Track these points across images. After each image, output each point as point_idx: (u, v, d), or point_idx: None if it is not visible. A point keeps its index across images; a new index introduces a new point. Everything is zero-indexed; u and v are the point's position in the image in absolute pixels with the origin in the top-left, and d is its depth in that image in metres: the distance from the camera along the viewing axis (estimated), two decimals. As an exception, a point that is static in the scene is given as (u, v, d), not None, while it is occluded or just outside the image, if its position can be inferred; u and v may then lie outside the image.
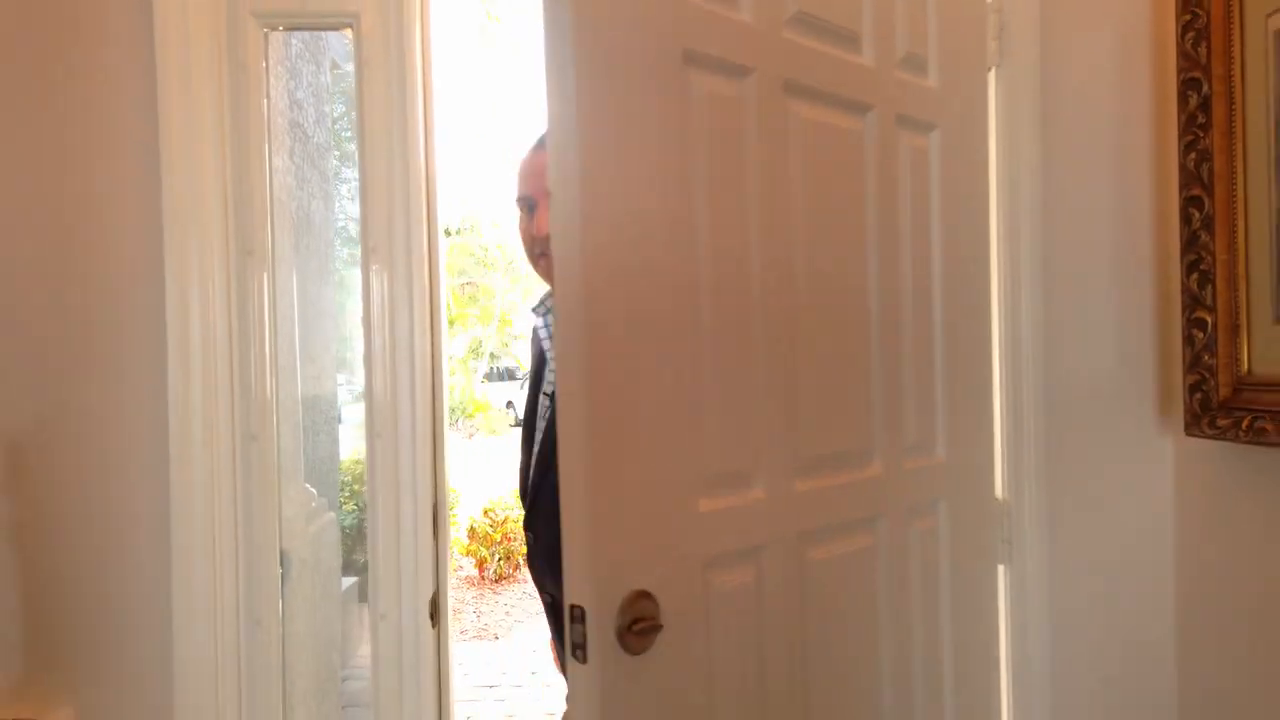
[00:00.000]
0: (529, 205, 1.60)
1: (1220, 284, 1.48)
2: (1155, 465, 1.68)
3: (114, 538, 1.68)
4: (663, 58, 1.20)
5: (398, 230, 1.71)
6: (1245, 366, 1.46)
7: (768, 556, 1.32)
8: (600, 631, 1.10)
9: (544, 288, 1.63)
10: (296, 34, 2.42)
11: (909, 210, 1.54)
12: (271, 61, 1.77)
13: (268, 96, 1.74)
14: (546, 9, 1.13)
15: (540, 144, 1.57)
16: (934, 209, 1.58)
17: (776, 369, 1.33)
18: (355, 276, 1.92)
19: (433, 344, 1.75)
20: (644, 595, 1.14)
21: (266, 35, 1.73)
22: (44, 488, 1.67)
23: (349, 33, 1.73)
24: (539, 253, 1.57)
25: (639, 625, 1.13)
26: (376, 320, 1.72)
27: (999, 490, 1.72)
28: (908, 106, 1.54)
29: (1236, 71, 1.46)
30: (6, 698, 1.65)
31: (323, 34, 2.81)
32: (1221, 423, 1.48)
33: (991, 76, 1.68)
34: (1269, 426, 1.38)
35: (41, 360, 1.69)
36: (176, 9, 1.64)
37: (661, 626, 1.15)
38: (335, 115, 3.19)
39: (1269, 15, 1.40)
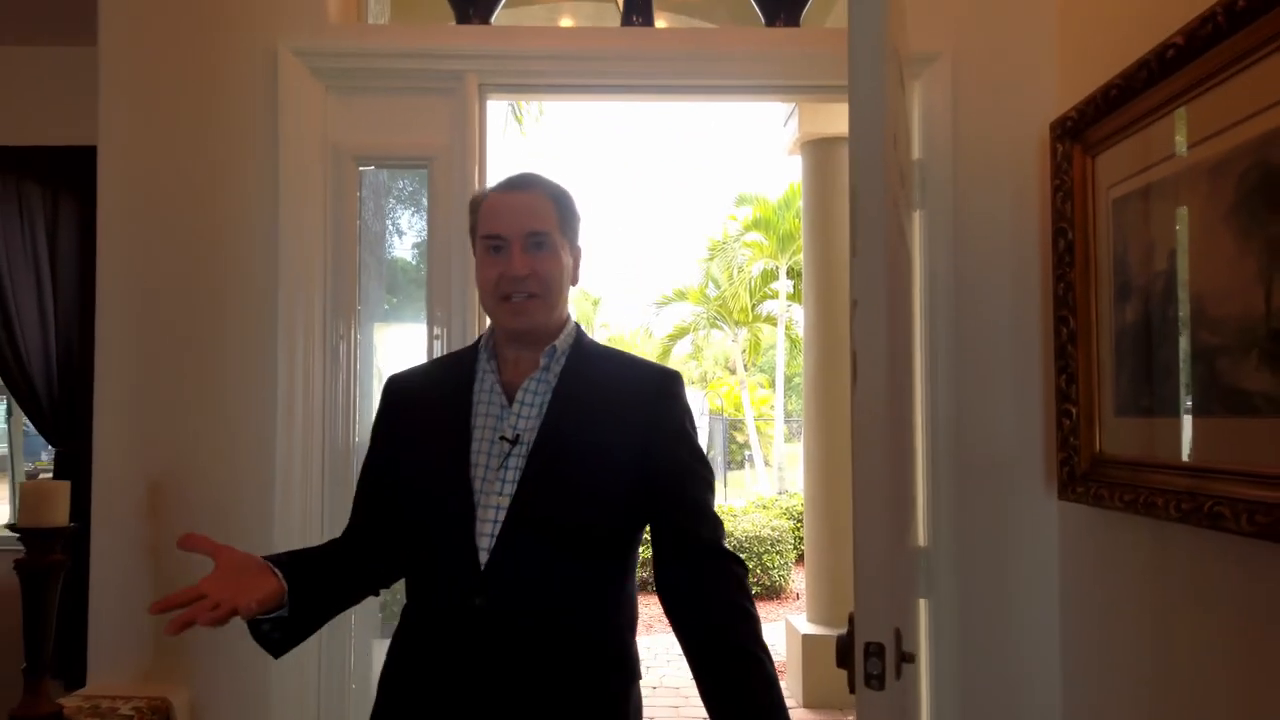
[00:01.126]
0: (498, 244, 1.48)
1: (1080, 384, 1.94)
2: (1043, 520, 2.12)
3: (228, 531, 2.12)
4: None
5: (455, 303, 2.18)
6: (1098, 447, 1.91)
7: None
8: (892, 663, 1.24)
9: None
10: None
11: None
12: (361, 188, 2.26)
13: (360, 215, 2.23)
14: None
15: (512, 186, 1.52)
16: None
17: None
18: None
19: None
20: (899, 631, 1.32)
21: (360, 171, 2.23)
22: (175, 515, 2.11)
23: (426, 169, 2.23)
24: (503, 293, 1.47)
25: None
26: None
27: (921, 539, 2.16)
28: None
29: (1090, 225, 1.93)
30: (141, 681, 2.08)
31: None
32: (1079, 490, 1.93)
33: (916, 216, 2.16)
34: (1105, 494, 1.82)
35: (176, 418, 2.15)
36: (296, 149, 2.13)
37: (913, 657, 1.52)
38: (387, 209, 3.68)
39: (1110, 187, 1.88)
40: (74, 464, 4.10)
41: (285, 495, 2.11)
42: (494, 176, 2.24)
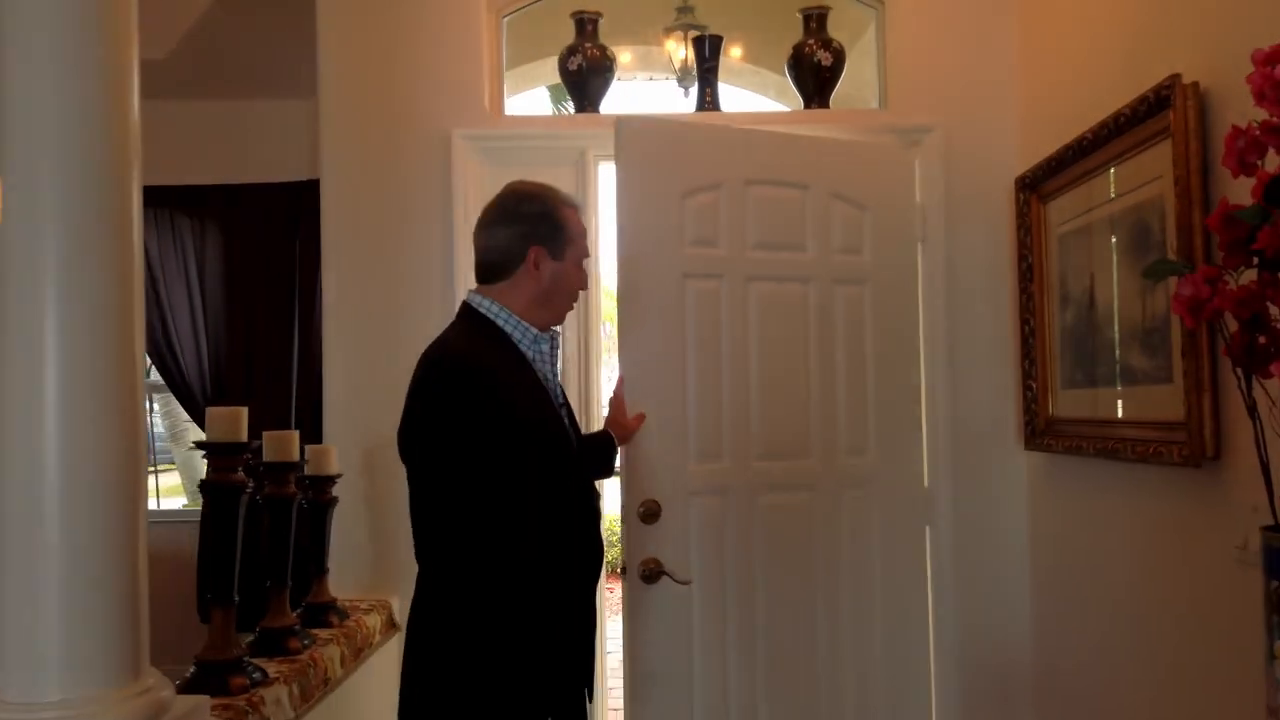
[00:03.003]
0: (587, 257, 1.98)
1: (1039, 367, 2.65)
2: (1015, 465, 2.84)
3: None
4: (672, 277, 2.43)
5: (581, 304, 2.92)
6: (1051, 412, 2.63)
7: (730, 495, 2.48)
8: (632, 510, 2.28)
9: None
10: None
11: (843, 326, 2.70)
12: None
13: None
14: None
15: (578, 208, 2.00)
16: (867, 322, 2.73)
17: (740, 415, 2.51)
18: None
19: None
20: (653, 501, 2.32)
21: (509, 219, 2.96)
22: (381, 475, 2.85)
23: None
24: (577, 298, 1.97)
25: (644, 508, 2.32)
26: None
27: (925, 482, 2.88)
28: (843, 274, 2.70)
29: (1043, 253, 2.65)
30: (366, 590, 2.82)
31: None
32: (1039, 441, 2.64)
33: (919, 247, 2.87)
34: (1054, 443, 2.54)
35: (384, 406, 2.88)
36: (463, 203, 2.86)
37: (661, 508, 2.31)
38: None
39: (1057, 226, 2.59)
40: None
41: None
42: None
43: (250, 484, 2.12)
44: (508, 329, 1.80)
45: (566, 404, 1.96)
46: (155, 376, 5.22)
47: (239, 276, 5.05)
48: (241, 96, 4.84)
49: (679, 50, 4.59)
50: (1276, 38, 1.53)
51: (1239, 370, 1.41)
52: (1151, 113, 2.04)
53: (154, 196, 4.81)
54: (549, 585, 1.73)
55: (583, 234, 1.91)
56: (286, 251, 4.99)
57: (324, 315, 2.97)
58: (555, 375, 1.90)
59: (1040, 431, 2.65)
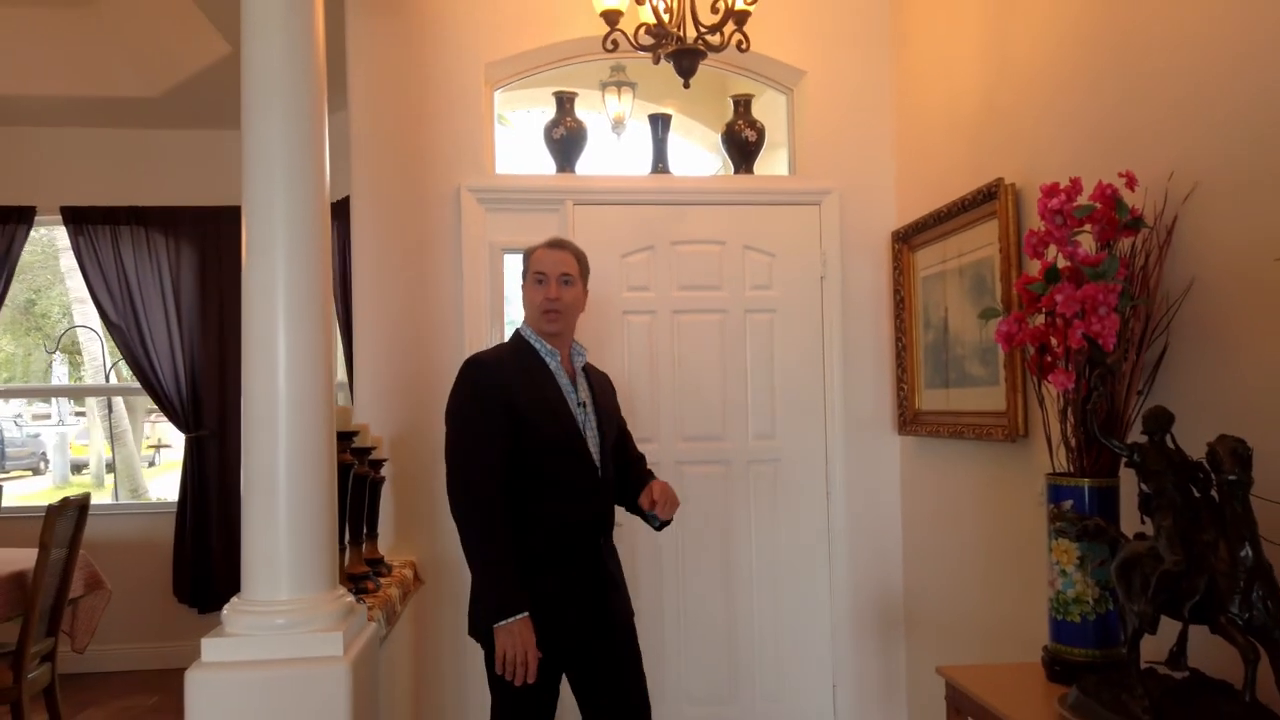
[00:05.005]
0: (541, 279, 2.39)
1: (909, 373, 3.52)
2: (892, 447, 3.71)
3: (433, 474, 3.50)
4: (614, 313, 3.23)
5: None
6: (918, 406, 3.50)
7: (661, 468, 3.20)
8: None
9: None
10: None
11: (753, 344, 3.61)
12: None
13: (504, 279, 3.65)
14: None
15: (552, 246, 2.47)
16: (776, 341, 3.61)
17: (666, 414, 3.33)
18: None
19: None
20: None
21: (504, 256, 3.65)
22: (404, 455, 3.48)
23: (543, 255, 3.67)
24: (545, 309, 2.37)
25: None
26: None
27: (825, 459, 3.72)
28: (755, 305, 3.61)
29: (912, 290, 3.52)
30: (391, 550, 3.45)
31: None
32: (908, 428, 3.51)
33: (820, 282, 3.71)
34: (919, 429, 3.41)
35: (404, 401, 3.52)
36: (471, 242, 3.53)
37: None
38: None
39: (922, 270, 3.46)
40: (201, 446, 5.36)
41: (469, 444, 3.53)
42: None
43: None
44: (534, 343, 2.43)
45: (598, 406, 2.47)
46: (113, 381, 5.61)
47: (212, 291, 5.50)
48: (220, 127, 5.30)
49: (614, 102, 5.37)
50: (1063, 159, 2.41)
51: (1035, 378, 2.27)
52: (984, 200, 2.91)
53: (130, 216, 5.26)
54: (496, 521, 2.25)
55: (537, 260, 2.43)
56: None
57: (355, 328, 3.57)
58: (572, 382, 2.44)
59: (909, 420, 3.53)
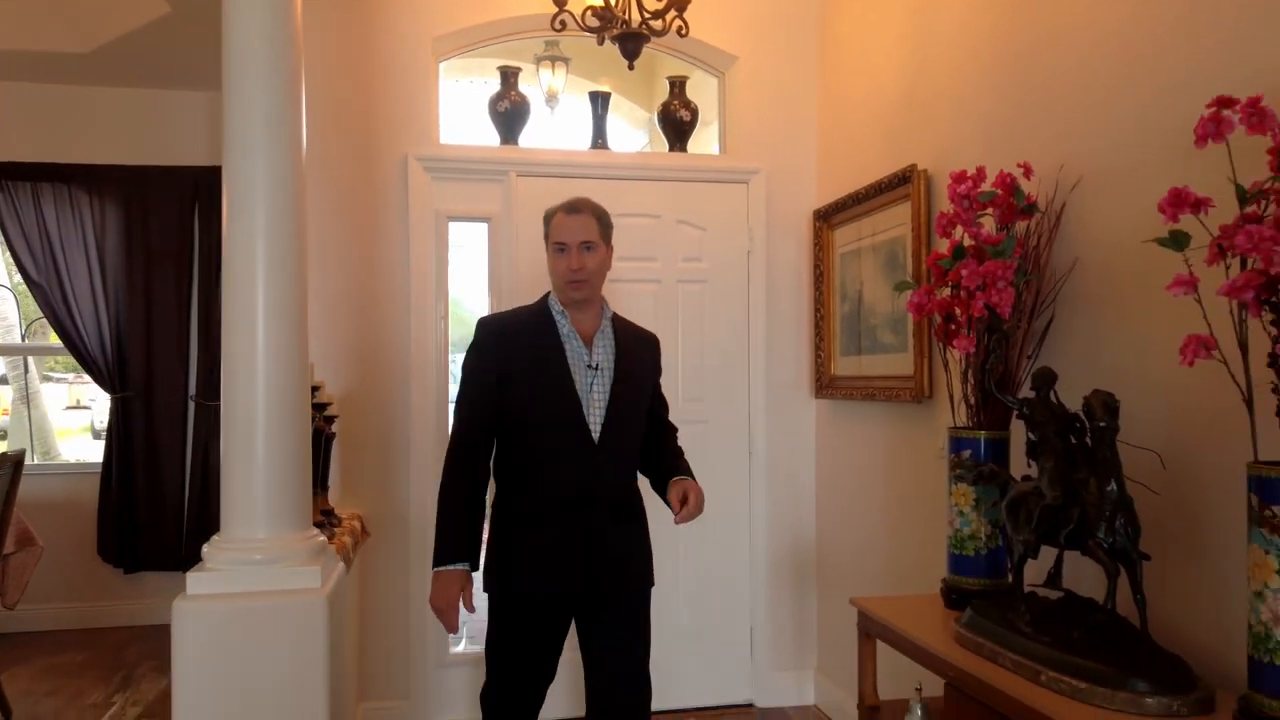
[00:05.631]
0: (563, 248, 2.28)
1: (825, 341, 3.80)
2: (809, 409, 3.99)
3: (383, 434, 3.65)
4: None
5: (506, 292, 3.78)
6: (833, 371, 3.78)
7: None
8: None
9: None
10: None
11: (684, 313, 3.82)
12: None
13: (449, 246, 3.78)
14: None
15: (571, 211, 2.32)
16: (705, 310, 3.85)
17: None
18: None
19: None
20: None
21: (449, 224, 3.78)
22: (350, 414, 3.60)
23: (487, 224, 3.81)
24: (569, 279, 2.26)
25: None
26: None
27: (748, 421, 3.98)
28: (686, 276, 3.81)
29: (830, 265, 3.79)
30: (337, 504, 3.57)
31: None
32: (824, 392, 3.80)
33: (747, 256, 3.96)
34: (834, 393, 3.70)
35: (352, 363, 3.63)
36: (418, 210, 3.65)
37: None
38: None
39: (840, 247, 3.73)
40: (127, 407, 5.33)
41: (412, 405, 3.66)
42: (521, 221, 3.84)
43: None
44: (550, 306, 2.36)
45: (619, 369, 2.36)
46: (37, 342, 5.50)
47: (138, 251, 5.43)
48: (152, 86, 5.23)
49: (548, 76, 5.50)
50: (970, 149, 2.68)
51: (941, 344, 2.54)
52: (899, 184, 3.18)
53: (54, 173, 5.16)
54: (461, 473, 2.28)
55: (556, 229, 2.33)
56: (186, 229, 5.44)
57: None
58: (586, 345, 2.34)
59: (826, 385, 3.81)
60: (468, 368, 2.33)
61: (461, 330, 3.93)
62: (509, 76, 3.85)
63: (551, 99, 5.58)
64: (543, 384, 2.29)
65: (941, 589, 2.47)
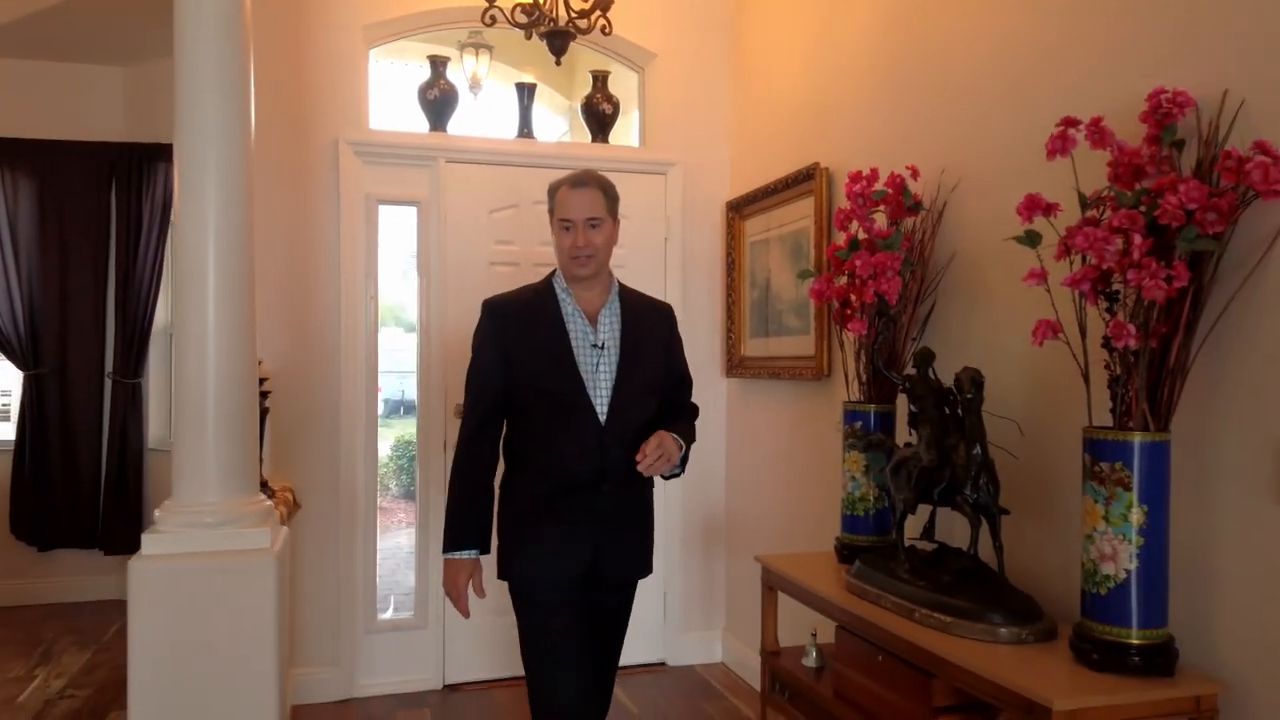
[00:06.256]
0: (568, 225, 2.18)
1: (736, 324, 4.06)
2: (720, 387, 4.25)
3: (314, 409, 3.75)
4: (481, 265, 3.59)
5: (434, 274, 3.92)
6: (743, 352, 4.05)
7: None
8: (449, 410, 3.46)
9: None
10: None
11: None
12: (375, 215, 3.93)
13: (378, 228, 3.90)
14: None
15: (576, 185, 2.21)
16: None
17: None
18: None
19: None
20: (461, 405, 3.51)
21: (379, 207, 3.89)
22: (286, 388, 3.70)
23: (416, 208, 3.94)
24: (574, 256, 2.16)
25: (459, 408, 3.51)
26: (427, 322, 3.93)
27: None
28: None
29: (741, 253, 4.05)
30: (271, 475, 3.67)
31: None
32: (734, 371, 4.06)
33: (665, 244, 4.18)
34: (743, 372, 3.96)
35: (283, 340, 3.73)
36: (349, 193, 3.76)
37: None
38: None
39: (750, 237, 3.99)
40: (41, 384, 5.27)
41: (342, 381, 3.78)
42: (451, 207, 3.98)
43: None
44: (555, 284, 2.27)
45: (626, 347, 2.24)
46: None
47: (52, 226, 5.35)
48: (71, 60, 5.15)
49: (471, 63, 5.62)
50: (867, 151, 2.95)
51: (838, 327, 2.81)
52: (804, 180, 3.45)
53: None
54: (470, 456, 2.23)
55: (562, 204, 2.22)
56: (103, 205, 5.38)
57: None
58: (591, 323, 2.24)
59: (736, 365, 4.07)
60: (474, 350, 2.27)
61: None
62: (438, 65, 3.97)
63: (475, 85, 5.69)
64: (546, 364, 2.20)
65: (835, 546, 2.75)
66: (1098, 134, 1.90)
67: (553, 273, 2.32)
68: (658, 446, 2.15)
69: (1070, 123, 1.92)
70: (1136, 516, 1.75)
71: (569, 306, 2.25)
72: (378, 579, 3.95)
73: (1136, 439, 1.75)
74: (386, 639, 3.89)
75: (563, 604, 2.20)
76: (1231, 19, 1.82)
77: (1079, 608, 1.88)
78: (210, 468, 2.25)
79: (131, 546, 5.31)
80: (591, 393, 2.19)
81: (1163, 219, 1.72)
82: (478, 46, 5.70)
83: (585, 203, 2.21)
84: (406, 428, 8.31)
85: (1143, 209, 1.77)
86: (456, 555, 2.20)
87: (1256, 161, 1.63)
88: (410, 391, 9.33)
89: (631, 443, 2.20)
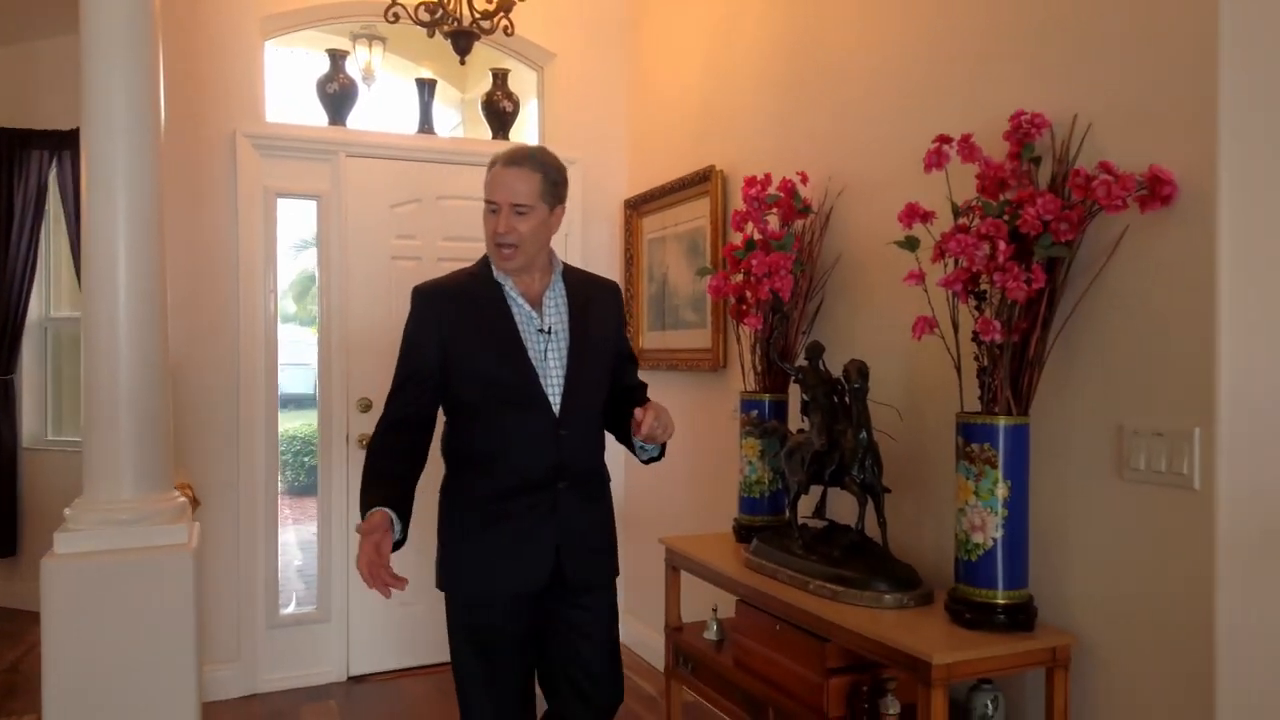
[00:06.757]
0: (494, 208, 1.95)
1: (636, 318, 4.20)
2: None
3: (213, 404, 3.70)
4: (383, 258, 3.67)
5: (335, 268, 3.92)
6: (642, 345, 4.19)
7: None
8: (351, 403, 3.52)
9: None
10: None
11: None
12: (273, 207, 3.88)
13: (277, 221, 3.86)
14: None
15: (509, 162, 1.97)
16: None
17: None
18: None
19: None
20: (367, 398, 3.58)
21: (277, 200, 3.85)
22: (183, 381, 3.62)
23: (316, 202, 3.91)
24: (498, 243, 1.95)
25: (361, 402, 3.57)
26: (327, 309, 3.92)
27: (566, 390, 4.33)
28: None
29: (640, 249, 4.19)
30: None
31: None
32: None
33: (565, 239, 4.28)
34: (644, 364, 4.10)
35: (185, 334, 3.65)
36: (246, 186, 3.71)
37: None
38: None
39: (648, 234, 4.13)
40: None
41: (241, 375, 3.74)
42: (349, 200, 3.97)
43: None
44: (492, 269, 2.07)
45: (575, 330, 2.08)
46: None
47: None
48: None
49: (364, 53, 5.57)
50: (760, 155, 3.12)
51: (735, 321, 2.98)
52: (700, 181, 3.61)
53: None
54: (384, 446, 2.01)
55: (490, 184, 2.01)
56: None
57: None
58: (535, 308, 2.07)
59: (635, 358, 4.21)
60: (403, 342, 2.06)
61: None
62: (338, 59, 3.95)
63: (368, 76, 5.64)
64: (490, 354, 2.01)
65: (733, 527, 2.92)
66: (967, 150, 2.11)
67: (486, 255, 2.10)
68: (655, 414, 1.97)
69: (944, 140, 2.12)
70: (1002, 491, 1.97)
71: (509, 288, 2.05)
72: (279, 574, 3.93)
73: (1001, 422, 1.97)
74: (290, 633, 3.87)
75: (500, 632, 2.03)
76: (1081, 49, 2.05)
77: (952, 574, 2.09)
78: (125, 464, 2.24)
79: (5, 548, 5.07)
80: (542, 381, 2.01)
81: (1023, 228, 1.94)
82: (371, 38, 5.64)
83: (515, 185, 1.97)
84: (289, 422, 8.13)
85: (1006, 218, 1.98)
86: (363, 521, 1.87)
87: (1101, 180, 1.86)
88: (296, 385, 9.13)
89: (586, 435, 2.09)
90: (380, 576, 1.76)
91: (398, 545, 1.87)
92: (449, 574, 2.05)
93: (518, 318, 2.05)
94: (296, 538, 6.76)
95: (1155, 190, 1.81)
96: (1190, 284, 1.80)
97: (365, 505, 1.89)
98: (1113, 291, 1.97)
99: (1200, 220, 1.77)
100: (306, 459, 8.42)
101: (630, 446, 2.18)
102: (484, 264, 2.10)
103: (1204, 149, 1.77)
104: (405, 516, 1.91)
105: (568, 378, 2.04)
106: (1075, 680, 2.00)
